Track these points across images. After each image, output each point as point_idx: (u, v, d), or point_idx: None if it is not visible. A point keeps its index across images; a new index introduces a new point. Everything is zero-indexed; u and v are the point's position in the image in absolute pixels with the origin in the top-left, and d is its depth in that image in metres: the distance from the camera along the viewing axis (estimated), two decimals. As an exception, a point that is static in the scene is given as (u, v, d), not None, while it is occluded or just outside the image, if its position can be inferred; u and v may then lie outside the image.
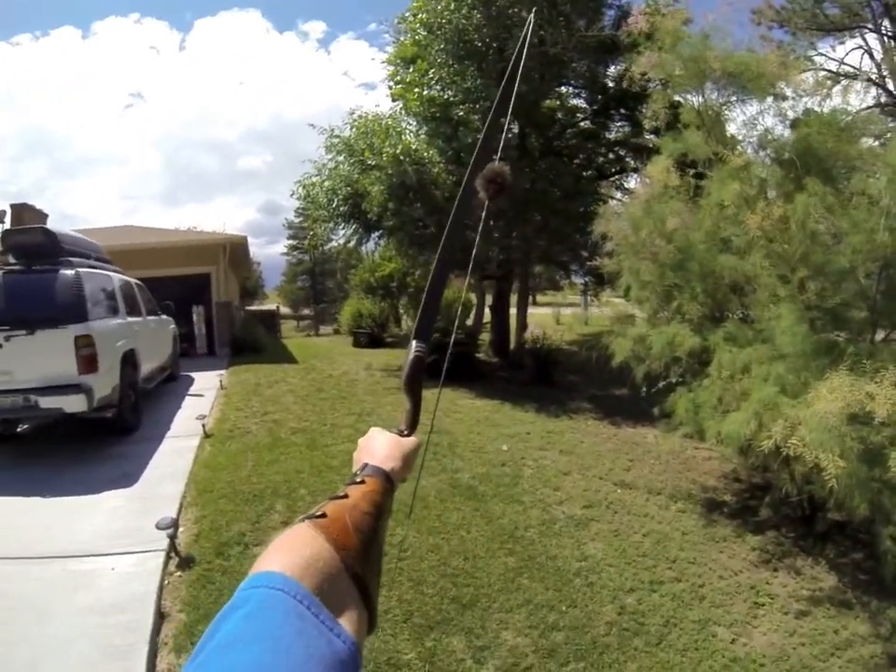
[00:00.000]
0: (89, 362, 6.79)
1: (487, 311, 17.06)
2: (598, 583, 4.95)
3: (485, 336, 16.71)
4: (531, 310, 17.53)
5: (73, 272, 7.14)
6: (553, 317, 26.18)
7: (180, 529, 5.16)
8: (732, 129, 6.55)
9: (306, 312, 49.19)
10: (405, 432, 1.21)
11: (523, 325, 15.13)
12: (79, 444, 7.49)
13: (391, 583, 4.61)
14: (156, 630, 3.86)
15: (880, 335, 5.59)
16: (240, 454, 7.24)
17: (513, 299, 17.79)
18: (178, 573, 4.55)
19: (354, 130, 14.24)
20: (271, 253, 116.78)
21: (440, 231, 13.58)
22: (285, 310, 45.18)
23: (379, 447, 1.13)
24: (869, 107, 6.79)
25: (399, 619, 4.24)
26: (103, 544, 4.82)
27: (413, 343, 1.28)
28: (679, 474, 7.40)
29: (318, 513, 0.77)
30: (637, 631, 4.39)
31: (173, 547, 4.70)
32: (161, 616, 4.03)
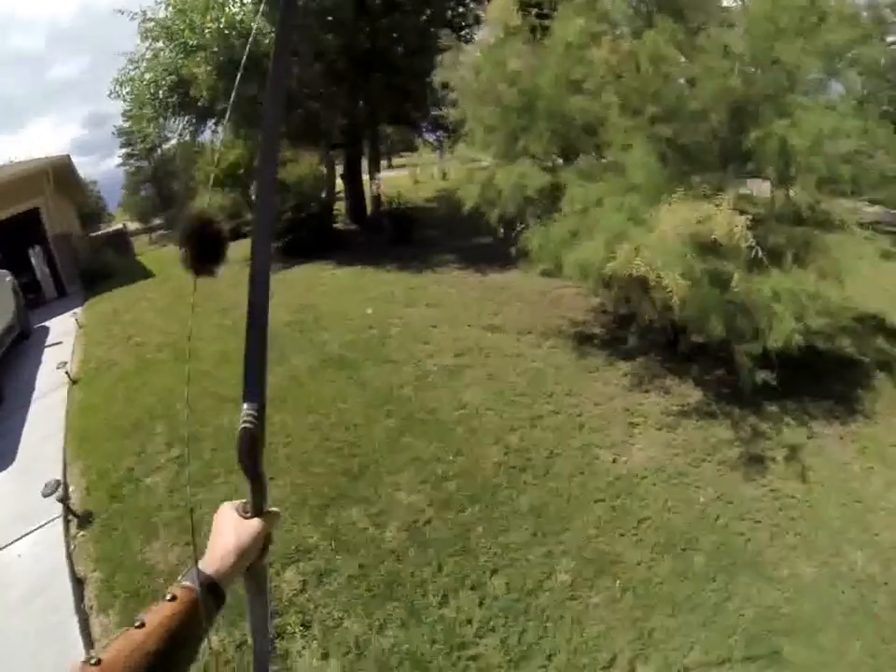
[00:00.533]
0: None
1: (340, 181, 16.47)
2: (480, 428, 5.22)
3: (341, 206, 16.37)
4: (388, 174, 17.15)
5: None
6: (410, 178, 25.52)
7: (70, 488, 5.01)
8: None
9: (157, 222, 46.12)
10: (248, 515, 1.08)
11: (377, 189, 14.73)
12: None
13: (279, 472, 4.69)
14: (79, 598, 3.79)
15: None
16: (110, 389, 6.95)
17: (366, 165, 17.24)
18: (82, 533, 4.43)
19: (170, 9, 12.84)
20: (106, 169, 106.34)
21: None
22: (133, 225, 42.07)
23: (218, 538, 1.03)
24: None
25: (296, 504, 4.34)
26: (1, 536, 4.57)
27: (244, 407, 1.02)
28: (548, 313, 7.72)
29: (94, 660, 0.73)
30: (524, 466, 4.70)
31: (67, 509, 4.54)
32: (79, 582, 3.96)
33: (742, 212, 4.49)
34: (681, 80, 5.54)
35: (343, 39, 12.10)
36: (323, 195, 14.14)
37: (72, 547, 4.29)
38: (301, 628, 3.40)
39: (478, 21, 15.15)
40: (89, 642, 3.45)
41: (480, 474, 4.59)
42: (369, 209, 15.94)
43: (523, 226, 6.49)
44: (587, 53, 5.59)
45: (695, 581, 3.75)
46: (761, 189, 5.79)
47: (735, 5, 5.88)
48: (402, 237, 12.94)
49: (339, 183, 16.71)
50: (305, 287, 9.70)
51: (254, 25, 12.08)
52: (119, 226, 35.08)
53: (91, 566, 4.08)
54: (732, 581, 3.77)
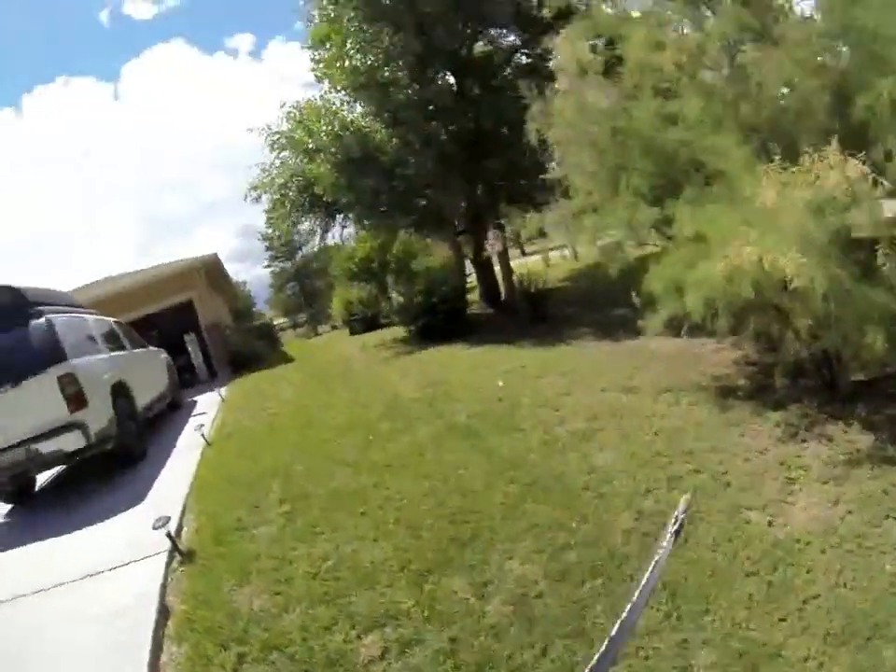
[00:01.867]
0: (77, 399, 6.86)
1: (472, 267, 16.84)
2: (610, 492, 4.62)
3: (476, 291, 16.62)
4: (521, 261, 17.29)
5: (43, 319, 7.25)
6: (542, 262, 25.68)
7: (184, 529, 5.30)
8: None
9: (301, 317, 49.54)
10: None
11: (507, 271, 14.84)
12: (92, 482, 7.55)
13: (385, 535, 4.46)
14: (158, 626, 3.87)
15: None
16: (239, 450, 7.32)
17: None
18: (181, 568, 4.56)
19: (291, 122, 14.32)
20: (258, 273, 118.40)
21: (396, 196, 13.42)
22: (280, 320, 45.73)
23: None
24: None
25: (395, 568, 4.02)
26: (113, 559, 4.92)
27: None
28: (687, 371, 7.01)
29: None
30: (658, 534, 3.89)
31: (173, 544, 4.74)
32: (165, 612, 4.06)
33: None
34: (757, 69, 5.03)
35: (449, 125, 12.79)
36: (453, 280, 14.40)
37: (169, 579, 4.42)
38: None
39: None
40: (156, 666, 3.50)
41: (606, 543, 3.99)
42: (502, 292, 15.98)
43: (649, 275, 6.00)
44: (654, 58, 5.39)
45: None
46: None
47: None
48: (538, 316, 12.76)
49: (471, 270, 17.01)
50: (438, 366, 9.70)
51: (364, 124, 13.20)
52: (267, 319, 37.90)
53: (179, 598, 4.15)
54: None
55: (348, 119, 13.15)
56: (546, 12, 13.76)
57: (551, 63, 10.90)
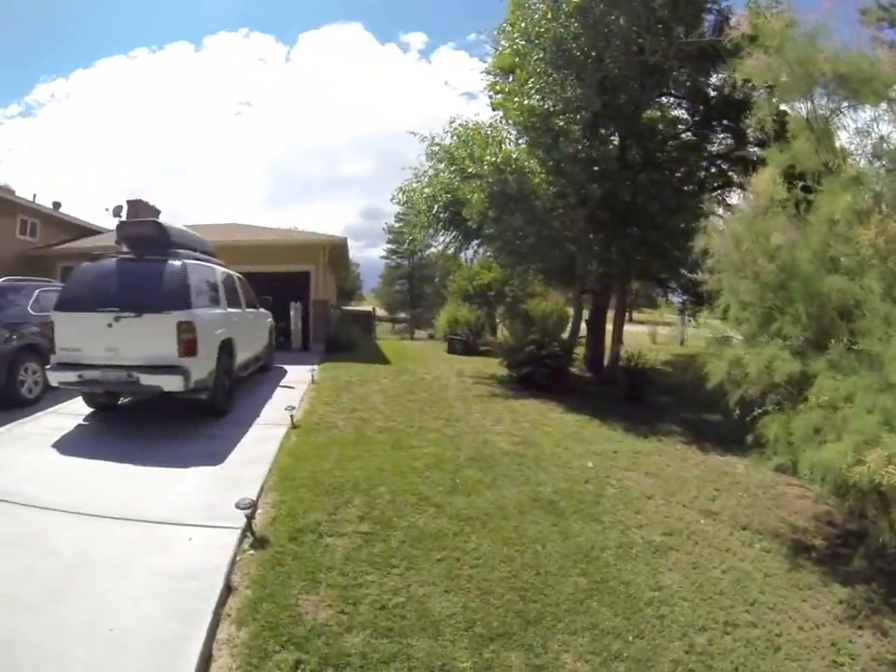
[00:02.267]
0: (189, 346, 7.36)
1: (583, 326, 16.87)
2: (669, 616, 4.71)
3: (580, 350, 16.49)
4: (626, 327, 17.28)
5: (180, 263, 7.80)
6: (648, 336, 25.43)
7: (258, 511, 5.39)
8: (843, 138, 6.15)
9: (402, 315, 50.05)
10: None
11: (618, 341, 14.84)
12: (174, 422, 8.01)
13: (458, 589, 4.61)
14: (221, 601, 4.06)
15: None
16: (324, 446, 7.44)
17: (610, 315, 17.56)
18: (251, 552, 4.75)
19: (454, 138, 14.68)
20: (370, 256, 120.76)
21: (538, 242, 13.60)
22: (381, 312, 46.19)
23: None
24: None
25: (461, 626, 4.21)
26: (184, 515, 5.16)
27: None
28: (768, 510, 6.97)
29: None
30: None
31: (249, 527, 4.94)
32: (228, 589, 4.23)
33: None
34: None
35: (606, 189, 12.64)
36: (565, 336, 14.56)
37: (238, 558, 4.61)
38: None
39: (729, 183, 15.15)
40: (210, 640, 3.67)
41: (655, 666, 4.07)
42: (606, 360, 15.97)
43: (761, 411, 6.03)
44: (851, 230, 5.27)
45: None
46: None
47: None
48: (635, 396, 12.77)
49: (583, 328, 17.05)
50: (531, 423, 9.74)
51: (525, 165, 13.22)
52: (370, 308, 38.43)
53: (246, 582, 4.32)
54: None
55: (512, 156, 13.22)
56: (720, 91, 14.06)
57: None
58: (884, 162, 5.75)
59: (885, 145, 5.72)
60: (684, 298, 16.21)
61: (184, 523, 5.01)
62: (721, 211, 14.46)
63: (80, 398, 8.51)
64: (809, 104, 6.10)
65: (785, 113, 6.50)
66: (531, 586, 4.83)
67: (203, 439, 7.40)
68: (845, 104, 6.00)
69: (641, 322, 31.49)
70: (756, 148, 12.55)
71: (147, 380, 7.25)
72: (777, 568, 5.71)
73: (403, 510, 5.85)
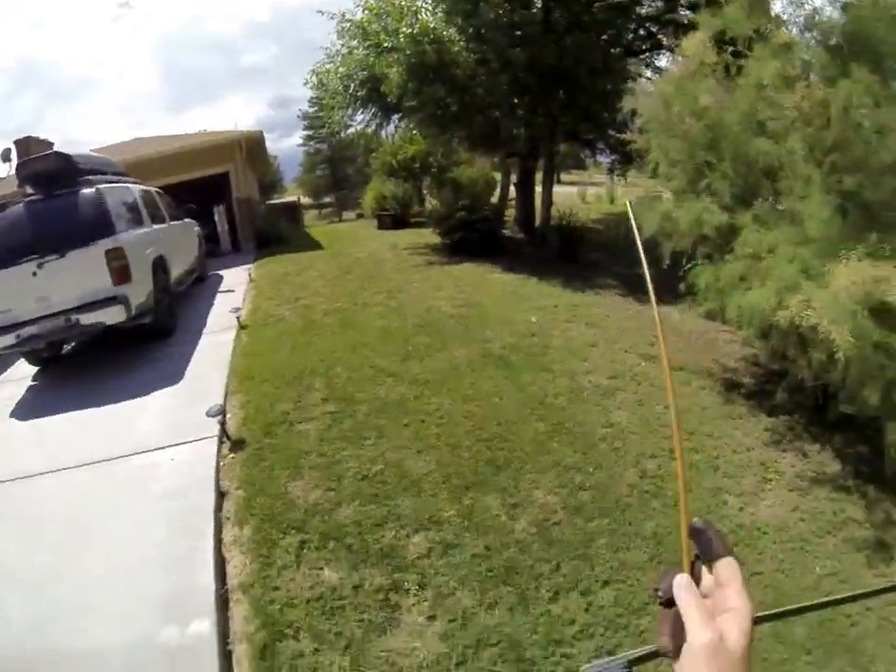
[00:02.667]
0: (122, 273, 6.97)
1: (513, 190, 16.87)
2: (622, 448, 5.28)
3: (510, 214, 16.64)
4: (556, 189, 17.37)
5: (93, 189, 7.22)
6: (578, 196, 25.74)
7: (228, 415, 5.49)
8: (776, 7, 6.23)
9: (328, 200, 48.60)
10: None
11: (548, 203, 14.87)
12: (124, 354, 7.78)
13: (428, 448, 4.97)
14: (218, 507, 4.28)
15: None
16: (276, 339, 7.52)
17: (538, 177, 17.57)
18: (231, 455, 4.93)
19: (367, 13, 13.86)
20: (286, 146, 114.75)
21: (461, 110, 13.31)
22: (306, 200, 44.73)
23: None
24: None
25: (439, 481, 4.59)
26: (159, 439, 5.22)
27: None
28: (701, 353, 7.60)
29: None
30: (656, 494, 4.75)
31: (223, 432, 5.09)
32: (221, 495, 4.44)
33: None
34: (871, 131, 5.16)
35: (530, 54, 12.31)
36: (495, 200, 14.56)
37: (221, 464, 4.77)
38: (417, 588, 3.62)
39: (658, 46, 15.11)
40: (219, 545, 3.90)
41: (614, 491, 4.69)
42: (538, 221, 16.01)
43: (692, 264, 6.43)
44: (778, 96, 5.49)
45: (792, 648, 3.72)
46: None
47: None
48: (568, 254, 13.03)
49: (512, 191, 17.01)
50: (471, 286, 9.95)
51: (444, 34, 12.71)
52: (294, 198, 37.36)
53: (235, 484, 4.53)
54: (827, 661, 3.72)
55: (430, 25, 12.57)
56: None
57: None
58: (814, 34, 5.84)
59: (817, 16, 5.80)
60: (613, 158, 16.29)
61: (161, 446, 5.09)
62: (649, 74, 14.33)
63: (23, 360, 8.07)
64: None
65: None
66: (495, 436, 5.24)
67: (156, 362, 7.29)
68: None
69: (571, 183, 31.59)
70: (688, 12, 12.34)
71: (87, 319, 6.88)
72: (712, 403, 6.37)
73: (363, 384, 6.07)
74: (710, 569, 0.71)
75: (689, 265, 6.48)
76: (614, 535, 4.31)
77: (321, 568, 3.75)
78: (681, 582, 0.70)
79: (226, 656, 3.19)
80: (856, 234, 4.96)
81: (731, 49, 6.41)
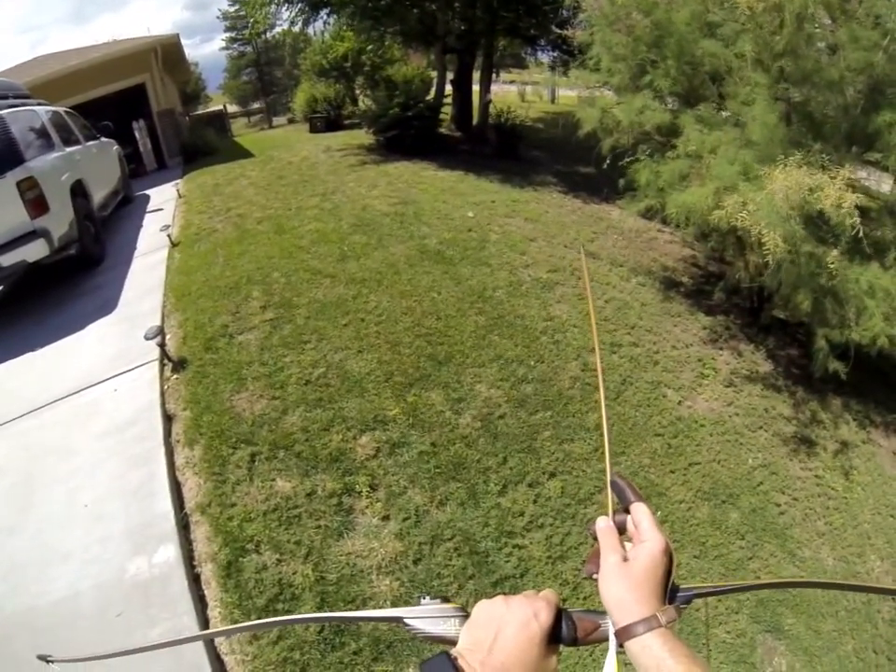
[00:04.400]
0: (38, 205, 6.39)
1: (450, 87, 16.31)
2: (563, 342, 5.35)
3: (447, 111, 16.01)
4: (495, 87, 16.84)
5: None
6: (518, 94, 25.20)
7: (167, 336, 5.33)
8: None
9: (256, 106, 46.34)
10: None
11: (486, 100, 14.53)
12: (53, 291, 7.25)
13: (369, 347, 4.95)
14: (167, 432, 4.20)
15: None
16: (210, 253, 7.22)
17: (476, 76, 17.01)
18: (175, 376, 4.79)
19: None
20: (207, 52, 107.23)
21: (394, 2, 12.69)
22: (233, 108, 42.50)
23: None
24: None
25: (381, 379, 4.59)
26: (100, 371, 5.01)
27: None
28: (641, 252, 7.69)
29: None
30: (598, 386, 4.77)
31: (164, 354, 4.93)
32: (168, 418, 4.34)
33: (853, 189, 4.35)
34: (822, 45, 5.20)
35: None
36: (431, 98, 14.09)
37: (166, 387, 4.66)
38: (368, 489, 3.68)
39: None
40: (172, 470, 3.85)
41: (556, 384, 4.76)
42: (475, 119, 15.58)
43: (632, 159, 6.42)
44: None
45: (726, 533, 4.05)
46: (880, 182, 5.68)
47: None
48: (507, 152, 12.76)
49: (449, 89, 16.52)
50: (406, 184, 9.68)
51: None
52: (220, 107, 35.61)
53: (181, 405, 4.43)
54: (758, 545, 4.07)
55: None
56: None
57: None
58: None
59: None
60: (554, 54, 15.79)
61: (103, 378, 4.90)
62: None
63: None
64: None
65: None
66: (435, 331, 5.25)
67: (88, 294, 6.86)
68: None
69: (511, 82, 30.88)
70: None
71: (8, 259, 6.24)
72: (652, 299, 6.53)
73: (300, 287, 5.96)
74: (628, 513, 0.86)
75: (629, 161, 6.47)
76: (558, 427, 4.44)
77: (274, 479, 3.77)
78: (600, 524, 0.87)
79: (194, 579, 3.22)
80: (797, 143, 4.99)
81: None
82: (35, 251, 6.37)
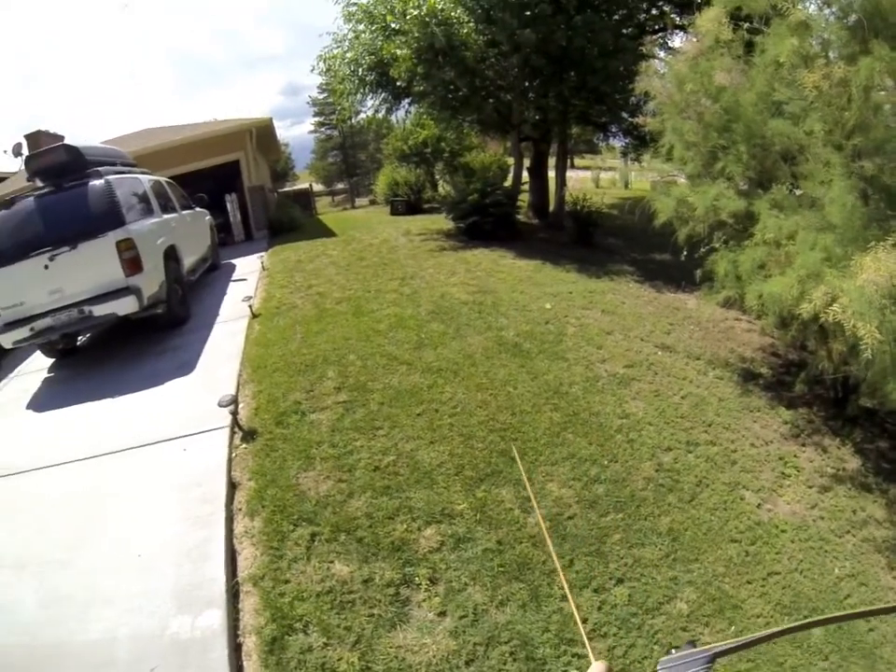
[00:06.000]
0: (133, 264, 6.98)
1: (526, 174, 16.67)
2: (638, 441, 5.20)
3: (524, 198, 16.26)
4: (569, 173, 17.03)
5: (102, 181, 7.18)
6: (591, 180, 25.54)
7: (240, 405, 5.48)
8: None
9: (340, 186, 48.53)
10: None
11: (562, 186, 14.75)
12: (137, 344, 7.75)
13: (441, 439, 4.91)
14: (230, 498, 4.26)
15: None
16: (288, 328, 7.42)
17: (552, 162, 17.35)
18: (244, 445, 4.89)
19: None
20: (297, 134, 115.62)
21: (472, 93, 13.13)
22: (318, 187, 44.73)
23: None
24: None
25: (451, 472, 4.55)
26: (173, 429, 5.20)
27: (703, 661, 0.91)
28: (718, 342, 7.50)
29: None
30: (672, 488, 4.70)
31: (235, 422, 5.05)
32: (232, 486, 4.42)
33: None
34: (888, 108, 5.14)
35: (540, 35, 11.99)
36: (508, 185, 14.40)
37: (233, 455, 4.75)
38: (428, 582, 3.59)
39: (667, 26, 14.80)
40: (231, 536, 3.90)
41: (630, 485, 4.62)
42: (552, 206, 15.84)
43: (708, 248, 6.35)
44: (796, 75, 5.31)
45: (808, 653, 3.70)
46: None
47: None
48: (583, 239, 12.90)
49: (525, 176, 16.89)
50: (485, 272, 9.79)
51: (452, 15, 12.46)
52: (306, 185, 37.29)
53: (247, 475, 4.51)
54: (843, 666, 3.70)
55: (438, 7, 12.32)
56: None
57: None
58: (834, 10, 5.64)
59: None
60: (626, 141, 16.04)
61: (175, 436, 5.08)
62: (662, 54, 14.03)
63: (38, 352, 8.10)
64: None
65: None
66: (509, 426, 5.18)
67: (169, 352, 7.28)
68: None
69: (585, 168, 31.32)
70: None
71: (100, 310, 6.93)
72: (730, 394, 6.28)
73: (375, 372, 5.99)
74: None
75: (706, 251, 6.40)
76: (629, 530, 4.26)
77: (332, 561, 3.72)
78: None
79: (236, 649, 3.19)
80: (879, 220, 4.86)
81: (747, 25, 6.28)
82: (125, 306, 6.97)
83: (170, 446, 4.97)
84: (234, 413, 5.07)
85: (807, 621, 0.98)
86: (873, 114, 5.01)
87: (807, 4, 5.85)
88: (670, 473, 4.88)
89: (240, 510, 4.20)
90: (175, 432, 5.15)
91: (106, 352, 7.91)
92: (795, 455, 5.46)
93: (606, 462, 4.88)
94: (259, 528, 3.98)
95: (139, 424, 5.47)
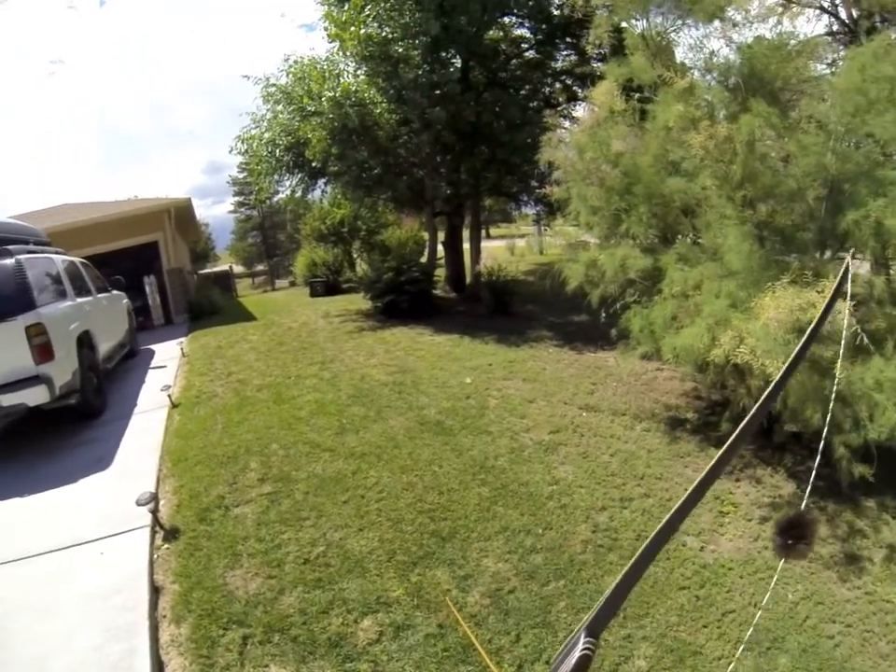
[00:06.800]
0: (44, 351, 6.55)
1: (441, 248, 16.98)
2: (571, 504, 5.19)
3: (440, 273, 16.69)
4: (485, 244, 17.49)
5: (12, 260, 6.77)
6: (507, 249, 26.33)
7: (161, 502, 5.20)
8: (679, 54, 6.63)
9: (260, 268, 48.73)
10: None
11: (476, 259, 15.12)
12: (49, 438, 7.27)
13: (369, 525, 4.77)
14: (153, 605, 3.95)
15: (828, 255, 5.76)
16: (209, 418, 7.20)
17: (466, 234, 17.75)
18: (166, 545, 4.60)
19: (290, 76, 14.03)
20: (218, 213, 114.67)
21: (385, 171, 13.46)
22: (238, 269, 44.66)
23: None
24: (820, 35, 6.98)
25: (383, 559, 4.40)
26: (89, 531, 4.82)
27: (581, 638, 0.99)
28: (642, 395, 7.67)
29: None
30: (612, 546, 4.67)
31: (156, 521, 4.78)
32: (155, 590, 4.11)
33: (844, 297, 4.43)
34: (774, 155, 5.62)
35: (450, 112, 12.63)
36: (424, 260, 14.58)
37: (155, 556, 4.46)
38: None
39: (574, 98, 15.70)
40: (156, 647, 3.59)
41: (567, 550, 4.57)
42: (468, 278, 16.23)
43: (621, 304, 6.57)
44: (685, 136, 5.75)
45: None
46: (859, 267, 5.76)
47: (826, 74, 5.99)
48: (500, 309, 13.12)
49: (440, 250, 17.19)
50: (404, 350, 9.83)
51: (366, 96, 12.95)
52: (226, 267, 37.17)
53: (170, 577, 4.23)
54: None
55: (352, 88, 12.83)
56: (562, 9, 14.20)
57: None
58: (714, 75, 6.21)
59: (714, 59, 6.19)
60: (538, 209, 16.59)
61: (91, 539, 4.72)
62: (567, 124, 14.81)
63: None
64: (645, 21, 6.55)
65: (623, 29, 6.87)
66: (438, 506, 5.10)
67: (84, 446, 6.81)
68: (679, 21, 6.49)
69: (500, 237, 32.22)
70: (598, 63, 12.87)
71: (7, 400, 6.39)
72: (658, 444, 6.41)
73: (299, 461, 5.86)
74: None
75: (620, 308, 6.61)
76: (573, 596, 4.19)
77: (266, 665, 3.51)
78: None
79: None
80: (775, 261, 5.24)
81: (638, 95, 6.71)
82: (35, 396, 6.47)
83: (86, 550, 4.58)
84: (154, 512, 4.80)
85: (636, 555, 1.05)
86: (760, 163, 5.45)
87: (693, 71, 6.39)
88: (607, 532, 4.87)
89: (165, 616, 3.92)
90: (92, 534, 4.77)
91: (14, 446, 7.30)
92: (731, 492, 5.55)
93: (540, 531, 4.83)
94: (186, 635, 3.72)
95: (51, 526, 5.04)
